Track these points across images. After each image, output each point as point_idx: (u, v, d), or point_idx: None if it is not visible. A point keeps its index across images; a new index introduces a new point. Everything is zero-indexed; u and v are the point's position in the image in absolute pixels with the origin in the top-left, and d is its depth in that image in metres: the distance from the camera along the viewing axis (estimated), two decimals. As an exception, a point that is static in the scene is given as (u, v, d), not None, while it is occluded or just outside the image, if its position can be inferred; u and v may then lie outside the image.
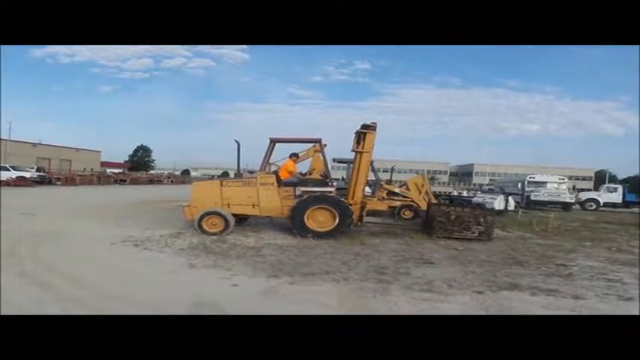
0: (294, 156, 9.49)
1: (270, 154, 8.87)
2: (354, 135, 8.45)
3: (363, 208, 8.70)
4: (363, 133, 8.24)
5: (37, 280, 4.49)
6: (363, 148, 8.27)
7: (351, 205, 8.20)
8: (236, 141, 8.68)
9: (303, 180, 8.77)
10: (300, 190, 8.36)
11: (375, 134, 8.32)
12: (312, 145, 11.40)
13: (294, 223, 7.92)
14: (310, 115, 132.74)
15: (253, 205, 8.36)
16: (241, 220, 9.00)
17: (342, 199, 8.18)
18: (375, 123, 8.31)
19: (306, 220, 7.91)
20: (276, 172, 9.01)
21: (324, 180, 8.78)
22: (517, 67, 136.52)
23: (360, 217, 8.64)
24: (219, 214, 8.06)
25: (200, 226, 7.95)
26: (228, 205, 8.31)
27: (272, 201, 8.33)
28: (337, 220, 7.92)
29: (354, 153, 8.52)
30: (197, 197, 8.45)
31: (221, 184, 8.52)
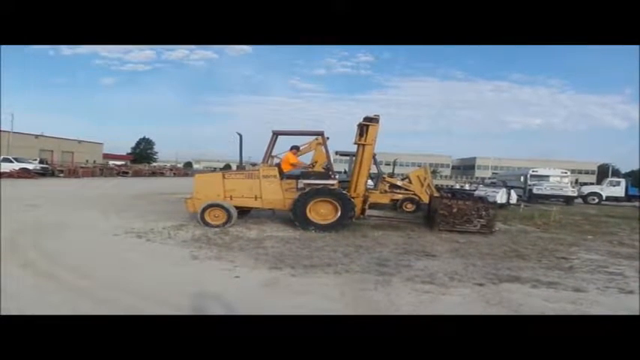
0: (295, 148, 9.49)
1: (273, 146, 8.87)
2: (356, 127, 8.44)
3: (365, 201, 8.70)
4: (366, 125, 8.20)
5: (40, 271, 4.54)
6: (365, 140, 8.24)
7: (353, 197, 8.21)
8: (238, 133, 8.69)
9: (305, 173, 8.77)
10: (302, 182, 8.37)
11: (378, 127, 8.28)
12: (314, 137, 11.39)
13: (296, 216, 7.94)
14: (312, 108, 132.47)
15: (255, 197, 8.38)
16: (243, 212, 9.04)
17: (345, 192, 8.19)
18: (378, 115, 8.26)
19: (308, 212, 7.93)
20: (278, 165, 9.01)
21: (327, 173, 8.78)
22: (520, 60, 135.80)
23: (363, 210, 8.64)
24: (222, 207, 8.08)
25: (202, 218, 7.98)
26: (231, 197, 8.34)
27: (274, 193, 8.35)
28: (339, 213, 7.93)
29: (356, 146, 8.51)
30: (199, 189, 8.46)
31: (223, 177, 8.52)
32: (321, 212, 8.02)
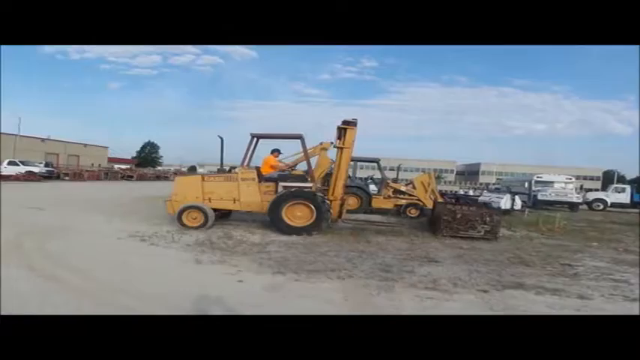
0: (276, 152, 9.48)
1: (254, 149, 8.82)
2: (335, 130, 8.51)
3: (342, 204, 8.75)
4: (344, 128, 8.28)
5: (44, 274, 4.57)
6: (343, 144, 8.33)
7: (330, 201, 8.24)
8: (219, 137, 8.87)
9: (282, 175, 8.73)
10: (281, 185, 8.38)
11: (356, 130, 8.38)
12: (319, 143, 11.38)
13: (272, 219, 7.96)
14: (316, 113, 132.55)
15: (234, 200, 8.42)
16: (224, 215, 9.20)
17: (319, 194, 8.17)
18: (356, 119, 8.38)
19: (284, 215, 7.93)
20: (257, 168, 9.00)
21: (303, 175, 8.75)
22: (524, 65, 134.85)
23: (340, 214, 8.70)
24: (199, 209, 8.14)
25: (180, 219, 8.04)
26: (210, 199, 8.38)
27: (252, 196, 8.37)
28: (314, 216, 7.91)
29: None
30: (179, 191, 8.53)
31: (202, 179, 8.59)
32: (297, 215, 8.01)
